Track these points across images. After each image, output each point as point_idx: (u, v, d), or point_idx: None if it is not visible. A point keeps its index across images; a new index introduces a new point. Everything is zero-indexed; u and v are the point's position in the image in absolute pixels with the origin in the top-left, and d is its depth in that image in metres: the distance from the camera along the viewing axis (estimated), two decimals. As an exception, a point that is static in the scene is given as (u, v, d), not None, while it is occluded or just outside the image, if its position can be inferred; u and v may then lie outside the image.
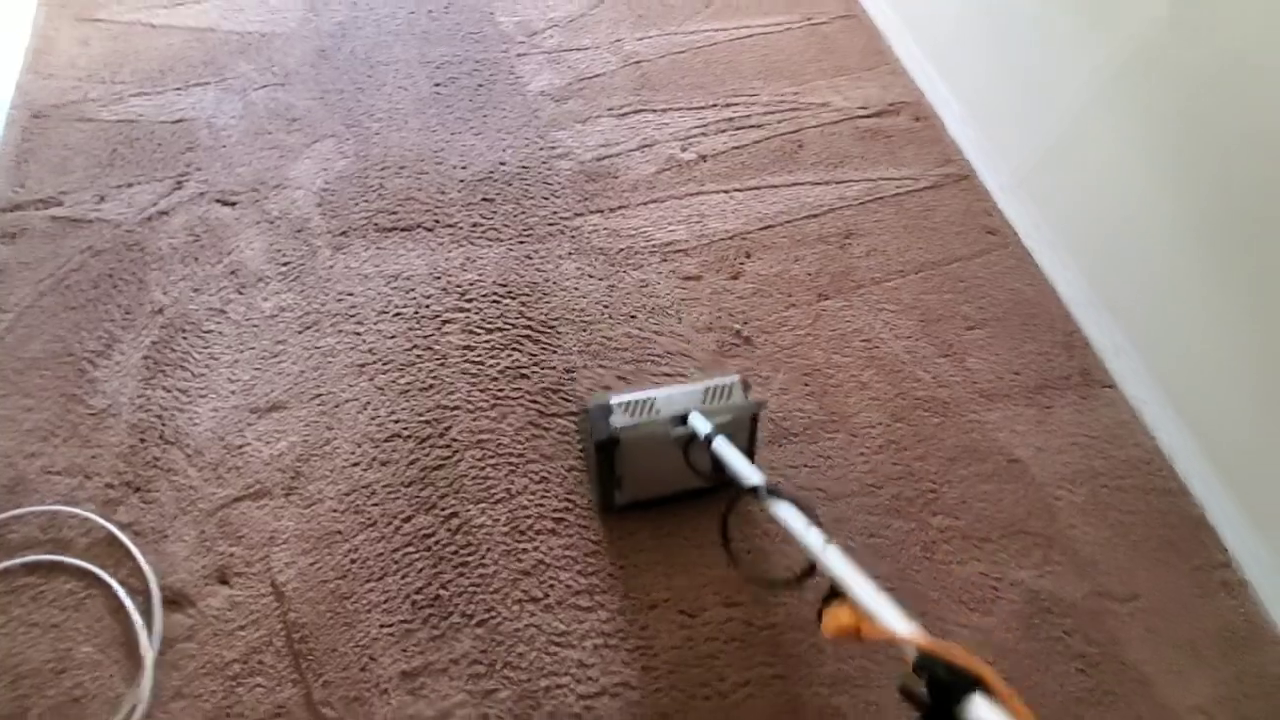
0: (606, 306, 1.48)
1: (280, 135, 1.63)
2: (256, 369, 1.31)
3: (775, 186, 1.72)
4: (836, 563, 0.72)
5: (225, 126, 1.62)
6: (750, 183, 1.72)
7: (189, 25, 1.81)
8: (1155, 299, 1.47)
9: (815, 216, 1.68)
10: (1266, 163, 1.24)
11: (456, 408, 1.31)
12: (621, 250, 1.56)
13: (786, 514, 0.82)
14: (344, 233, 1.50)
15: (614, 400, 1.13)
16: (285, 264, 1.44)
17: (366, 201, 1.55)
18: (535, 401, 1.34)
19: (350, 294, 1.42)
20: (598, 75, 1.87)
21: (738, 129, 1.82)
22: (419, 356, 1.36)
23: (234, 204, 1.51)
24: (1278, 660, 1.27)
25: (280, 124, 1.65)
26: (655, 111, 1.82)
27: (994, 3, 1.76)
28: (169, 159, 1.56)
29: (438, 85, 1.78)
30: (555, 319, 1.44)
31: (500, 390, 1.34)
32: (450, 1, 1.97)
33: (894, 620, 0.63)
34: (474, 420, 1.30)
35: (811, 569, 0.78)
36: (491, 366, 1.37)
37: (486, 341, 1.39)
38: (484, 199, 1.59)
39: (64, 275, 1.39)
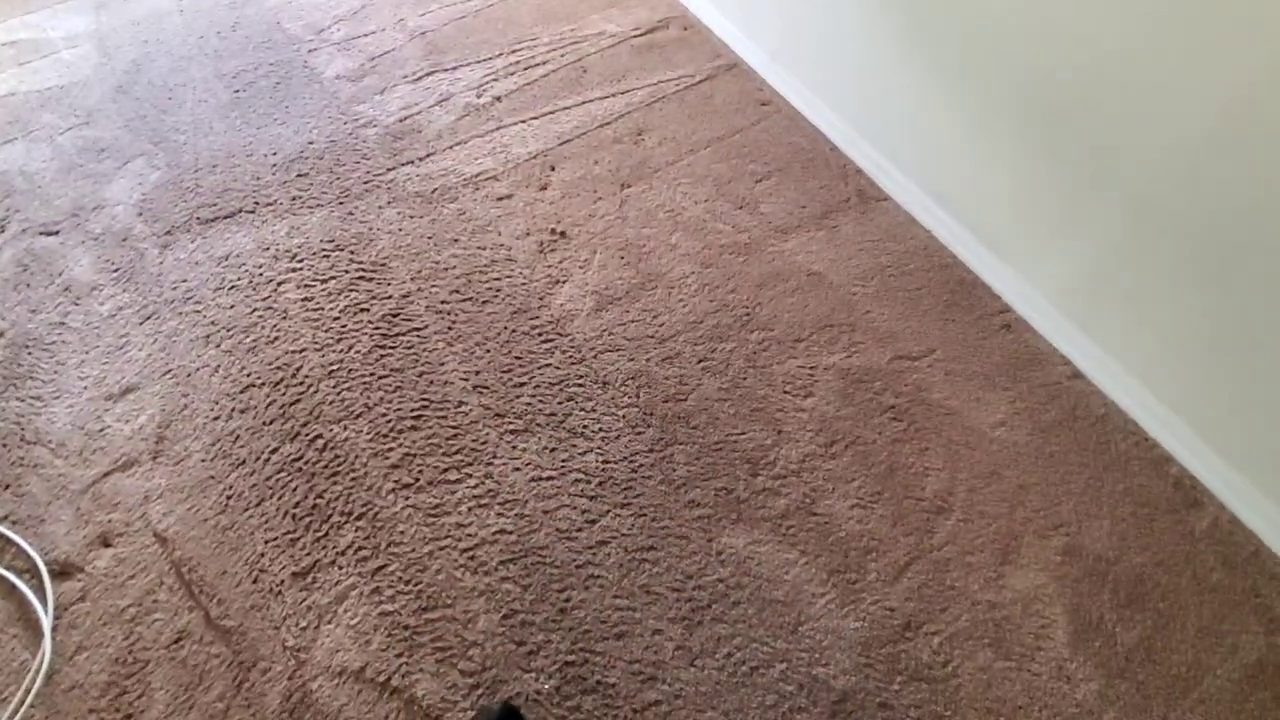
0: (430, 238, 1.61)
1: (91, 165, 1.70)
2: (104, 363, 1.39)
3: (568, 108, 1.89)
4: None
5: (38, 170, 1.69)
6: (544, 110, 1.89)
7: (-16, 94, 1.87)
8: (902, 119, 1.69)
9: (608, 124, 1.86)
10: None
11: (303, 350, 1.42)
12: (436, 189, 1.70)
13: None
14: (168, 232, 1.59)
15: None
16: (115, 270, 1.52)
17: (185, 202, 1.64)
18: (378, 327, 1.46)
19: (184, 281, 1.51)
20: (388, 52, 2.01)
21: (525, 69, 1.99)
22: (261, 317, 1.46)
23: (56, 233, 1.58)
24: (1056, 373, 1.49)
25: (90, 157, 1.72)
26: (446, 70, 1.97)
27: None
28: (-17, 209, 1.62)
29: (237, 92, 1.88)
30: (384, 258, 1.57)
31: (343, 326, 1.45)
32: (237, 19, 2.08)
33: None
34: (322, 356, 1.41)
35: None
36: (331, 309, 1.48)
37: (323, 291, 1.50)
38: (299, 175, 1.71)
39: (-105, 331, 1.44)
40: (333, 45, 2.02)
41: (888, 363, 1.47)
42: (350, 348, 1.43)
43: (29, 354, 1.40)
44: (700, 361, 1.45)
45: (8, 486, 1.25)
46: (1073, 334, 1.48)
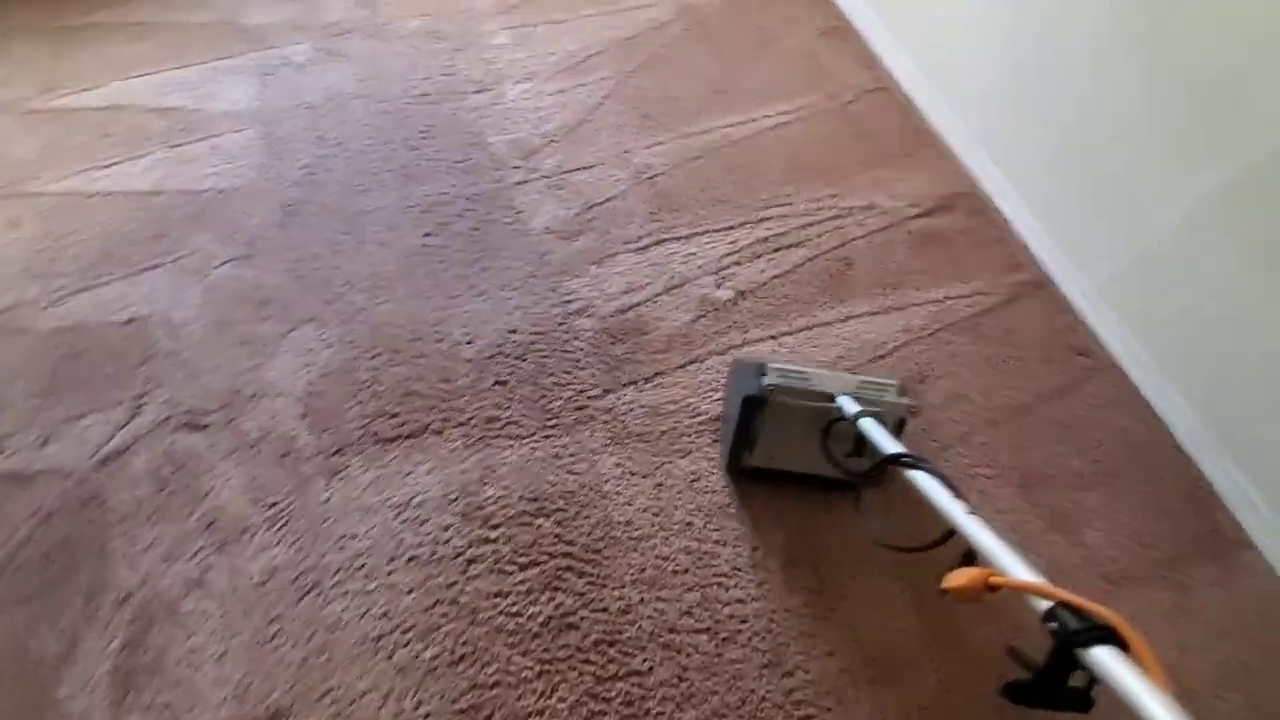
0: (657, 515, 1.25)
1: (251, 325, 1.39)
2: (250, 662, 1.08)
3: (828, 324, 1.49)
4: (976, 529, 0.71)
5: (185, 322, 1.38)
6: (799, 322, 1.48)
7: (131, 189, 1.56)
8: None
9: (881, 358, 1.45)
10: None
11: (495, 684, 1.09)
12: (665, 433, 1.33)
13: (928, 484, 0.81)
14: (338, 450, 1.26)
15: (770, 363, 1.16)
16: (272, 505, 1.21)
17: (360, 403, 1.31)
18: (589, 661, 1.11)
19: (353, 536, 1.19)
20: (608, 199, 1.63)
21: (775, 251, 1.58)
22: (444, 616, 1.13)
23: (204, 427, 1.27)
24: None
25: (249, 310, 1.41)
26: (679, 239, 1.58)
27: (1051, 65, 1.51)
28: (122, 375, 1.32)
29: (426, 235, 1.53)
30: (599, 540, 1.21)
31: (545, 651, 1.11)
32: (430, 125, 1.72)
33: (1027, 573, 0.62)
34: (518, 699, 1.08)
35: (947, 535, 0.79)
36: (531, 618, 1.14)
37: (521, 583, 1.16)
38: (497, 382, 1.36)
39: (13, 552, 1.16)
40: (543, 179, 1.64)
41: None
42: (553, 689, 1.09)
43: (159, 630, 1.10)
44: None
45: None
46: None
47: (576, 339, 1.42)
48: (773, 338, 1.46)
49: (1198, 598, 1.25)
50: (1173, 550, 1.29)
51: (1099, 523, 1.30)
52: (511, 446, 1.29)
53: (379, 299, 1.44)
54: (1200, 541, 1.31)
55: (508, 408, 1.33)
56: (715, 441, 1.33)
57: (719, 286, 1.52)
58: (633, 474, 1.29)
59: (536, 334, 1.42)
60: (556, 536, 1.21)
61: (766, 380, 1.13)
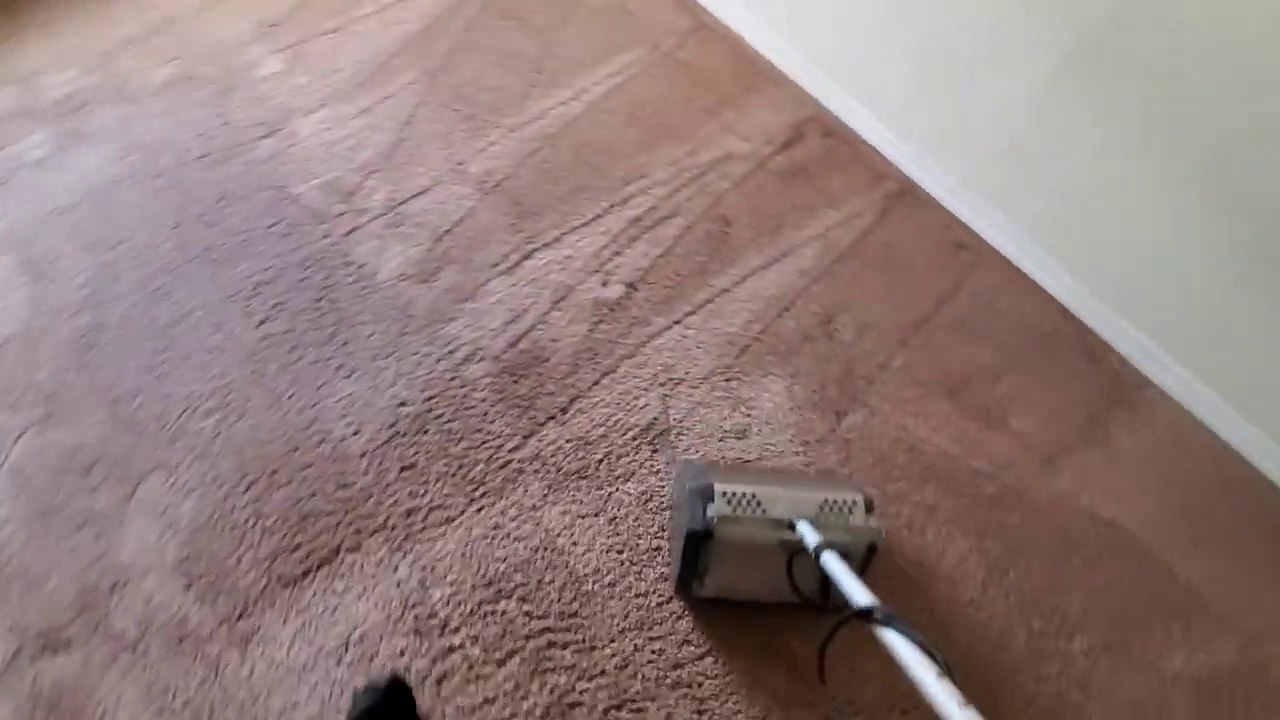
0: (621, 552, 1.16)
1: (81, 501, 1.13)
2: None
3: (726, 290, 1.43)
4: (946, 699, 0.65)
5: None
6: (698, 297, 1.41)
7: None
8: (1157, 272, 1.34)
9: (787, 310, 1.41)
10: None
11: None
12: (601, 461, 1.23)
13: (898, 644, 0.75)
14: (242, 613, 1.07)
15: (717, 485, 1.02)
16: (185, 704, 1.01)
17: (250, 548, 1.11)
18: (604, 741, 1.03)
19: (295, 705, 1.02)
20: (458, 223, 1.45)
21: (650, 229, 1.48)
22: (434, 756, 1.01)
23: (68, 645, 1.03)
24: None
25: (73, 482, 1.14)
26: (548, 245, 1.44)
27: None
28: (-70, 617, 1.04)
29: (262, 324, 1.30)
30: (571, 601, 1.11)
31: (554, 745, 1.02)
32: (222, 190, 1.44)
33: None
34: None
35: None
36: (530, 715, 1.03)
37: (505, 680, 1.05)
38: (403, 468, 1.19)
39: None
40: (375, 219, 1.44)
41: (1239, 653, 1.19)
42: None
43: None
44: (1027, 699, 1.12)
45: None
46: None
47: (475, 391, 1.28)
48: (677, 322, 1.38)
49: (1121, 445, 1.35)
50: (1088, 410, 1.38)
51: (1021, 407, 1.36)
52: (443, 534, 1.15)
53: (231, 417, 1.21)
54: (1107, 393, 1.41)
55: (424, 493, 1.18)
56: (655, 451, 1.25)
57: (606, 284, 1.41)
58: (582, 517, 1.19)
59: (429, 399, 1.26)
60: (526, 615, 1.10)
61: (712, 510, 0.99)
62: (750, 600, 1.09)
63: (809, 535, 0.98)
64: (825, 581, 0.93)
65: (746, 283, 1.44)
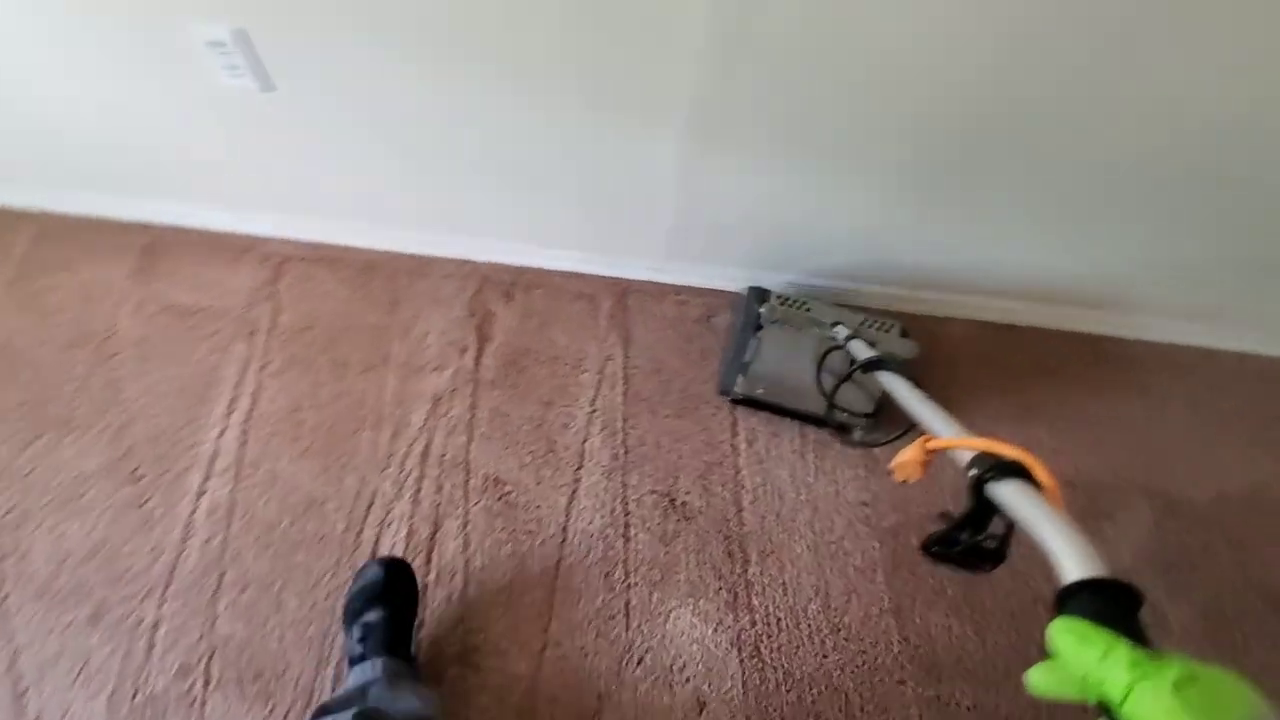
0: None
1: None
2: None
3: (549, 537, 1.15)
4: (920, 406, 0.74)
5: None
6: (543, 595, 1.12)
7: None
8: None
9: (592, 539, 1.18)
10: None
11: None
12: None
13: (891, 382, 0.86)
14: None
15: (773, 289, 1.21)
16: None
17: None
18: None
19: None
20: None
21: (428, 553, 1.14)
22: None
23: None
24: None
25: None
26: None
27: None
28: None
29: None
30: None
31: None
32: None
33: (956, 432, 0.65)
34: None
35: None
36: None
37: None
38: None
39: None
40: None
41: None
42: None
43: None
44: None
45: None
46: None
47: None
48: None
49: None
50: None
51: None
52: None
53: None
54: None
55: None
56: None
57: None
58: None
59: None
60: None
61: (765, 308, 1.18)
62: (777, 404, 1.21)
63: (843, 330, 1.13)
64: (839, 384, 1.01)
65: (572, 526, 1.18)
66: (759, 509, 1.21)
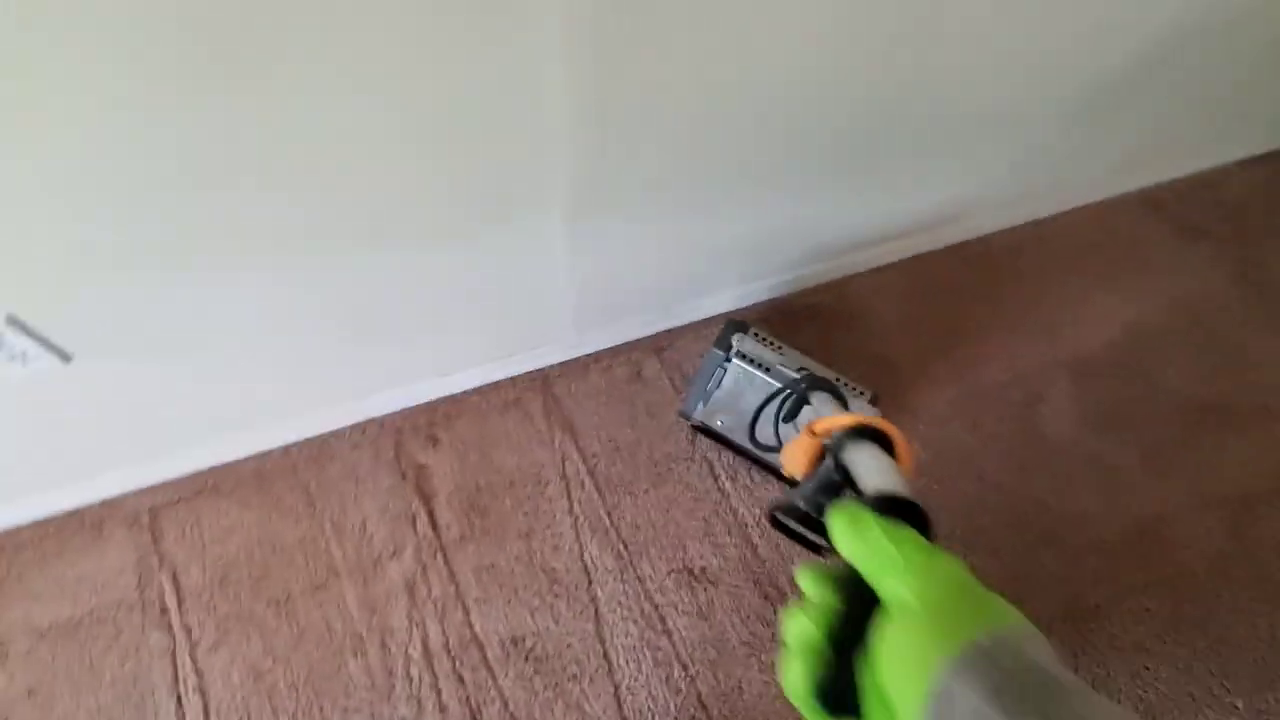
0: None
1: None
2: None
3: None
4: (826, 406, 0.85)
5: None
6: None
7: None
8: None
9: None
10: None
11: None
12: None
13: (820, 401, 0.91)
14: None
15: (752, 327, 1.19)
16: None
17: None
18: None
19: None
20: None
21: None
22: None
23: None
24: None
25: None
26: None
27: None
28: None
29: None
30: None
31: None
32: None
33: (841, 415, 0.64)
34: None
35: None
36: None
37: None
38: None
39: None
40: None
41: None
42: None
43: None
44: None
45: None
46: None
47: None
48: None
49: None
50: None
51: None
52: None
53: None
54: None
55: None
56: None
57: None
58: None
59: None
60: None
61: (737, 340, 1.15)
62: (724, 436, 1.20)
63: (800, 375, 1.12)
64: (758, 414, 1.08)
65: (611, 648, 1.11)
66: (770, 539, 1.21)
